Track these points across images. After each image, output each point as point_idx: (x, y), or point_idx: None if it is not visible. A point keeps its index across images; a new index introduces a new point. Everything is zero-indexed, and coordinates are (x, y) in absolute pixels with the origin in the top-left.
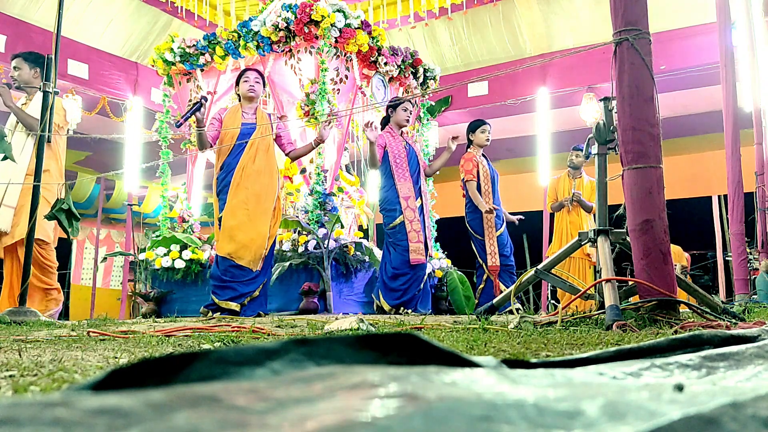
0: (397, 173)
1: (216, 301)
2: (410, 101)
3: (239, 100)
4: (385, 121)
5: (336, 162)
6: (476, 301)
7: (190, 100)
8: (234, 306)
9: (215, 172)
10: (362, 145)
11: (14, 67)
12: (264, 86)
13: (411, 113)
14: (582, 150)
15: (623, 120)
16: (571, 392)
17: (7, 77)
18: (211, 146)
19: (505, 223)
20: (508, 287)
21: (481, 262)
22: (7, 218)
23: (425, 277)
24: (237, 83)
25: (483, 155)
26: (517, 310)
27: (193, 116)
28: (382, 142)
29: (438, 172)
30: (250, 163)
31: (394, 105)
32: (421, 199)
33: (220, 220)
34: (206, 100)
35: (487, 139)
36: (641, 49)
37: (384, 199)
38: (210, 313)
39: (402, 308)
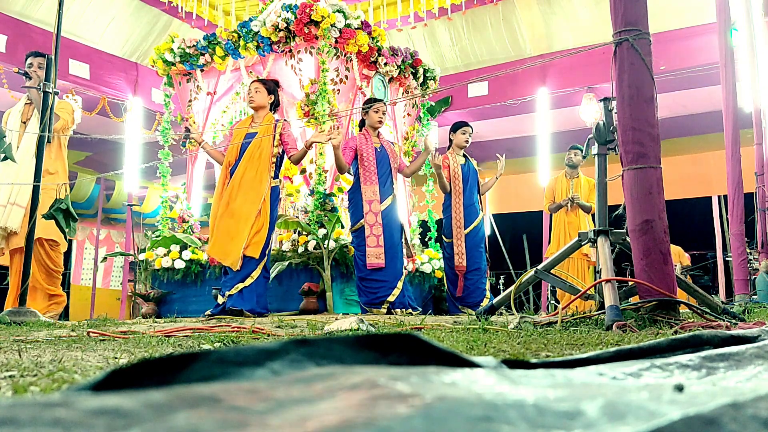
0: (364, 176)
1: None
2: (383, 102)
3: None
4: (362, 123)
5: None
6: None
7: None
8: (221, 299)
9: (222, 179)
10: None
11: (39, 66)
12: (270, 92)
13: (383, 114)
14: (580, 149)
15: (623, 120)
16: (571, 393)
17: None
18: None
19: (479, 224)
20: (476, 289)
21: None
22: (18, 218)
23: (402, 277)
24: None
25: (464, 155)
26: (507, 309)
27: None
28: (353, 145)
29: (418, 173)
30: (242, 171)
31: (366, 107)
32: (392, 199)
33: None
34: (189, 129)
35: (467, 141)
36: (641, 49)
37: (349, 201)
38: (210, 314)
39: (389, 307)
